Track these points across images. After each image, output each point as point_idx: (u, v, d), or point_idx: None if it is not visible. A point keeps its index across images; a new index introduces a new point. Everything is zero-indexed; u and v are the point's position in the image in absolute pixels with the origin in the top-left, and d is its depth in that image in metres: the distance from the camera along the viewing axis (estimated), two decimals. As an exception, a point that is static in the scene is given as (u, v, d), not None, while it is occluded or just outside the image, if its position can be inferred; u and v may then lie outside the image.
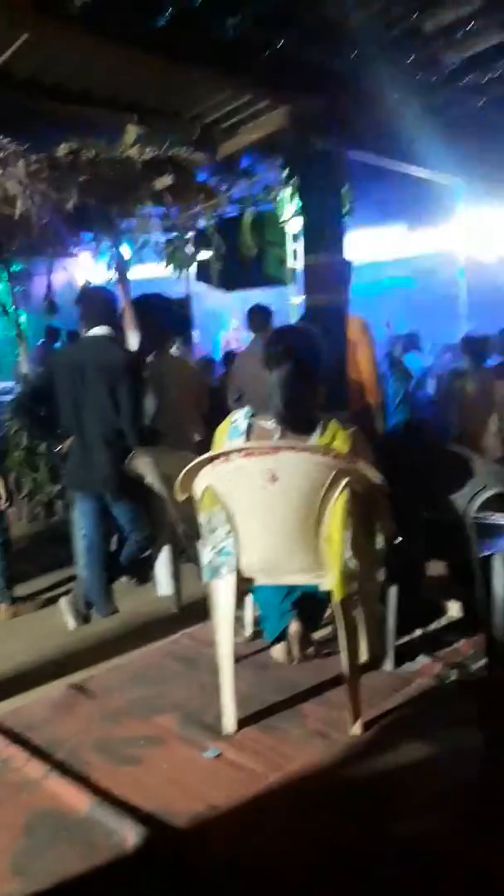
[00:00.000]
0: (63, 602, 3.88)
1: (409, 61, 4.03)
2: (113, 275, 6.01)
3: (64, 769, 2.21)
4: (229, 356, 7.40)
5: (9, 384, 9.49)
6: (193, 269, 6.34)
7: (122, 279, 5.99)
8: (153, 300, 4.24)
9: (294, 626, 2.71)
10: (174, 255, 5.67)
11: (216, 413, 4.17)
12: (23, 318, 7.66)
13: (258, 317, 5.04)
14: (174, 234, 5.71)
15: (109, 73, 4.21)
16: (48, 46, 3.85)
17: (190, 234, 5.83)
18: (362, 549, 2.32)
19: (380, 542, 2.60)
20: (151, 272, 6.24)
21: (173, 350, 4.12)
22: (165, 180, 4.95)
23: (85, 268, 7.68)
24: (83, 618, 3.86)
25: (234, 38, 3.46)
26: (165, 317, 4.13)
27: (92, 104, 4.47)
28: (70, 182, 4.40)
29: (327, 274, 4.38)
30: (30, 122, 4.29)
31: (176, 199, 5.23)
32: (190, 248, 5.77)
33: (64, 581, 4.55)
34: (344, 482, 2.24)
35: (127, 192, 5.07)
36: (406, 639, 2.99)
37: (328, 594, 2.50)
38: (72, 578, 4.55)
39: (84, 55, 3.96)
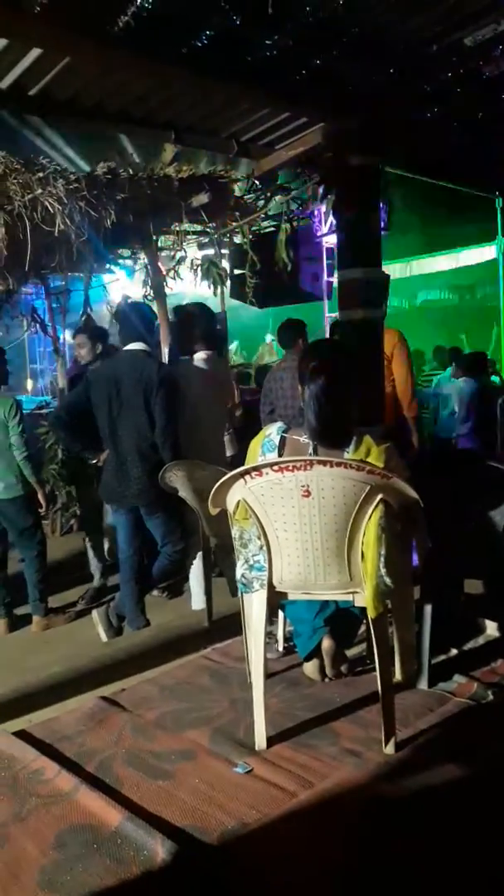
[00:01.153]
0: (95, 614, 3.90)
1: (448, 76, 4.02)
2: (149, 291, 6.11)
3: (95, 782, 2.21)
4: (262, 371, 7.43)
5: (45, 398, 9.66)
6: (228, 285, 6.40)
7: (159, 295, 6.08)
8: (187, 308, 4.27)
9: (327, 643, 2.69)
10: (209, 272, 5.73)
11: (249, 427, 4.17)
12: (60, 334, 7.80)
13: (290, 332, 5.06)
14: (209, 250, 5.78)
15: (147, 93, 4.27)
16: (88, 69, 3.94)
17: (225, 251, 5.90)
18: (397, 565, 2.29)
19: (415, 559, 2.56)
20: (187, 289, 6.32)
21: (199, 358, 4.09)
22: (202, 198, 5.02)
23: (122, 284, 7.79)
24: (115, 630, 3.88)
25: (272, 56, 3.49)
26: (196, 325, 4.13)
27: (130, 123, 4.55)
28: (108, 200, 4.49)
29: (364, 288, 4.37)
30: (70, 142, 4.38)
31: (212, 216, 5.30)
32: (225, 265, 5.83)
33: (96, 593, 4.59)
34: (378, 498, 2.22)
35: (164, 209, 5.15)
36: (441, 658, 2.94)
37: (362, 611, 2.47)
38: (103, 591, 4.59)
39: (123, 76, 4.03)
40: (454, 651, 3.02)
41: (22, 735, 2.55)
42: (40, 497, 4.16)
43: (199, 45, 3.44)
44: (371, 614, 2.27)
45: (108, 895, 1.75)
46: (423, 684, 2.74)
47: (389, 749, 2.30)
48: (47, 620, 4.14)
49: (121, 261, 6.90)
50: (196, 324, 4.13)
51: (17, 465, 4.08)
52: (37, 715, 2.86)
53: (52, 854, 1.90)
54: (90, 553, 4.64)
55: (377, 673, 2.30)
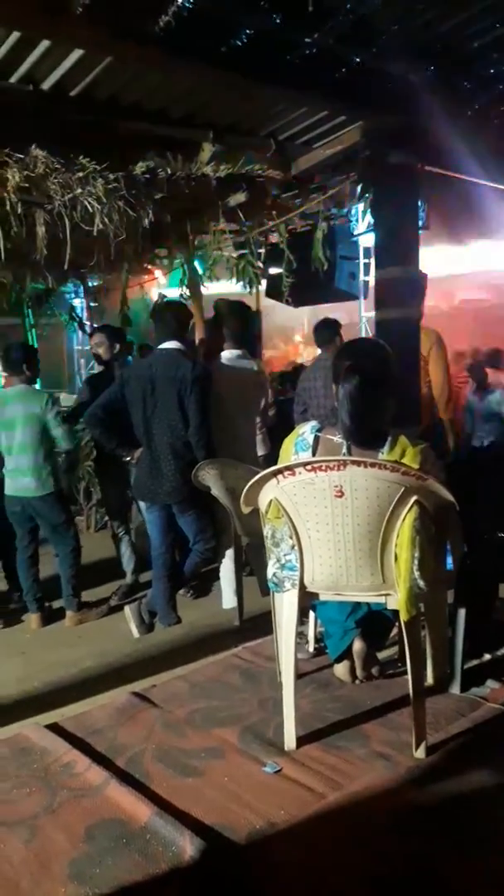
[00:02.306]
0: (128, 610, 3.94)
1: (489, 72, 3.96)
2: (185, 290, 6.14)
3: (125, 777, 2.23)
4: (296, 370, 7.41)
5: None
6: (264, 284, 6.40)
7: (195, 294, 6.11)
8: (218, 306, 4.28)
9: (358, 645, 2.67)
10: (245, 271, 5.73)
11: (282, 427, 4.16)
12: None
13: (325, 331, 5.04)
14: (245, 249, 5.78)
15: (187, 93, 4.29)
16: (128, 69, 3.97)
17: (261, 250, 5.89)
18: (431, 568, 2.26)
19: (449, 562, 2.53)
20: (223, 288, 6.33)
21: (229, 356, 4.08)
22: (239, 197, 5.02)
23: (159, 283, 7.85)
24: (147, 626, 3.91)
25: (311, 55, 3.48)
26: (227, 323, 4.13)
27: (169, 123, 4.57)
28: (146, 200, 4.51)
29: (401, 287, 4.33)
30: (108, 142, 4.42)
31: (249, 216, 5.30)
32: (260, 264, 5.82)
33: (129, 590, 4.62)
34: (413, 499, 2.19)
35: (202, 209, 5.16)
36: (474, 662, 2.90)
37: (394, 613, 2.45)
38: (135, 587, 4.63)
39: (163, 76, 4.06)
40: (487, 656, 2.97)
41: (54, 728, 2.58)
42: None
43: (239, 44, 3.44)
44: (404, 617, 2.25)
45: (136, 890, 1.76)
46: (455, 689, 2.71)
47: (420, 753, 2.27)
48: (80, 615, 4.18)
49: (157, 260, 6.94)
50: (227, 322, 4.13)
51: (49, 462, 4.10)
52: (69, 709, 2.89)
53: (82, 847, 1.92)
54: (122, 549, 4.68)
55: (409, 676, 2.28)
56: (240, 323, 4.14)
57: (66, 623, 4.14)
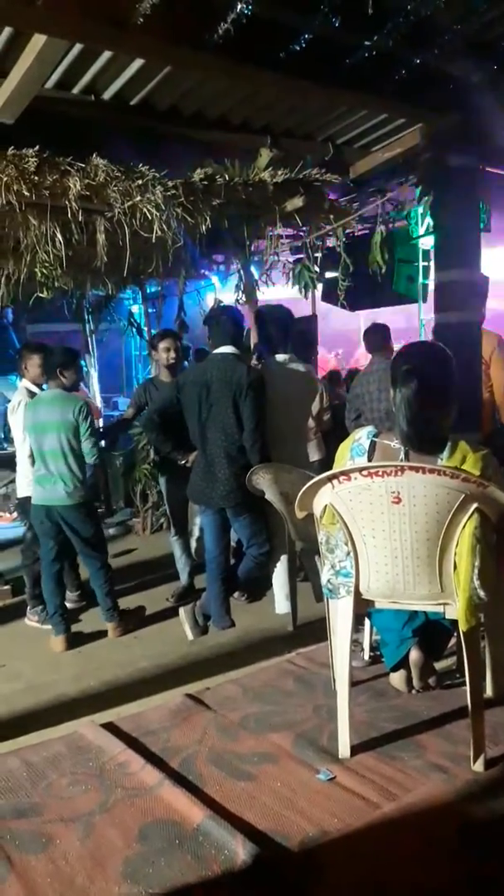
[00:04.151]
0: (182, 612, 3.96)
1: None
2: (241, 295, 6.16)
3: (178, 778, 2.24)
4: (350, 374, 7.36)
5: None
6: (320, 288, 6.38)
7: (251, 299, 6.12)
8: (265, 310, 4.26)
9: (415, 654, 2.62)
10: (301, 275, 5.72)
11: (336, 432, 4.12)
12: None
13: (375, 336, 4.99)
14: (301, 254, 5.77)
15: (245, 99, 4.32)
16: (188, 78, 4.02)
17: (318, 254, 5.87)
18: (492, 578, 2.21)
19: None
20: (280, 293, 6.32)
21: (277, 361, 4.05)
22: (296, 202, 5.02)
23: (215, 288, 7.90)
24: (201, 629, 3.92)
25: (370, 58, 3.45)
26: (272, 328, 4.10)
27: (228, 129, 4.61)
28: (204, 206, 4.55)
29: (462, 290, 4.25)
30: (167, 149, 4.48)
31: (306, 220, 5.29)
32: (317, 268, 5.80)
33: (184, 592, 4.66)
34: (473, 507, 2.14)
35: (259, 214, 5.18)
36: (536, 676, 2.81)
37: (453, 623, 2.40)
38: (190, 590, 4.65)
39: (221, 83, 4.10)
40: (550, 670, 2.88)
41: (110, 727, 2.62)
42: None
43: (298, 48, 3.43)
44: (462, 627, 2.20)
45: (188, 892, 1.77)
46: (515, 702, 2.63)
47: (478, 766, 2.22)
48: (123, 625, 4.11)
49: (215, 266, 6.99)
50: (271, 327, 4.11)
51: (81, 471, 3.99)
52: (124, 708, 2.93)
53: (136, 846, 1.94)
54: (177, 552, 4.69)
55: (467, 687, 2.22)
56: (280, 327, 4.11)
57: (110, 636, 4.05)
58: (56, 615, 4.02)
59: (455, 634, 2.56)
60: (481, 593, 2.16)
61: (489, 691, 2.62)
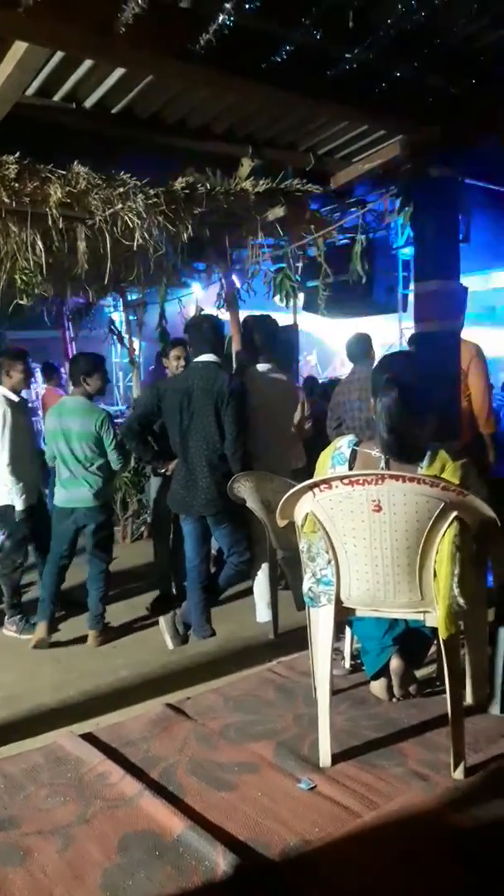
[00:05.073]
0: (162, 621, 3.94)
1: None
2: (223, 304, 6.17)
3: (158, 789, 2.22)
4: (330, 383, 7.38)
5: (121, 408, 9.89)
6: (301, 297, 6.40)
7: (232, 308, 6.14)
8: (252, 319, 4.27)
9: (395, 662, 2.63)
10: (282, 284, 5.74)
11: (316, 440, 4.13)
12: (136, 346, 7.98)
13: (357, 346, 5.02)
14: (282, 263, 5.80)
15: (228, 109, 4.35)
16: (171, 87, 4.04)
17: (299, 263, 5.90)
18: (471, 586, 2.22)
19: (490, 579, 2.49)
20: (261, 302, 6.34)
21: (259, 369, 4.06)
22: (278, 211, 5.05)
23: (197, 297, 7.91)
24: (181, 638, 3.90)
25: (352, 70, 3.48)
26: (254, 336, 4.11)
27: (210, 139, 4.63)
28: (186, 214, 4.56)
29: (441, 300, 4.29)
30: (149, 157, 4.49)
31: (287, 230, 5.32)
32: (298, 278, 5.83)
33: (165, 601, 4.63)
34: (452, 515, 2.16)
35: (240, 223, 5.21)
36: (514, 683, 2.83)
37: (433, 631, 2.41)
38: (171, 599, 4.63)
39: (204, 93, 4.11)
40: (529, 677, 2.91)
41: (89, 738, 2.59)
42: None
43: (279, 60, 3.46)
44: (443, 635, 2.21)
45: (168, 904, 1.75)
46: (495, 709, 2.65)
47: (458, 774, 2.23)
48: (103, 636, 4.07)
49: (196, 274, 7.01)
50: (255, 336, 4.12)
51: (106, 473, 4.10)
52: (104, 718, 2.90)
53: (116, 858, 1.92)
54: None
55: (447, 695, 2.23)
56: (267, 337, 4.12)
57: (89, 642, 4.03)
58: (47, 601, 4.10)
59: (435, 642, 2.58)
60: (461, 601, 2.18)
61: (469, 699, 2.63)
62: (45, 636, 4.03)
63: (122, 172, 4.25)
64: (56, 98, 4.08)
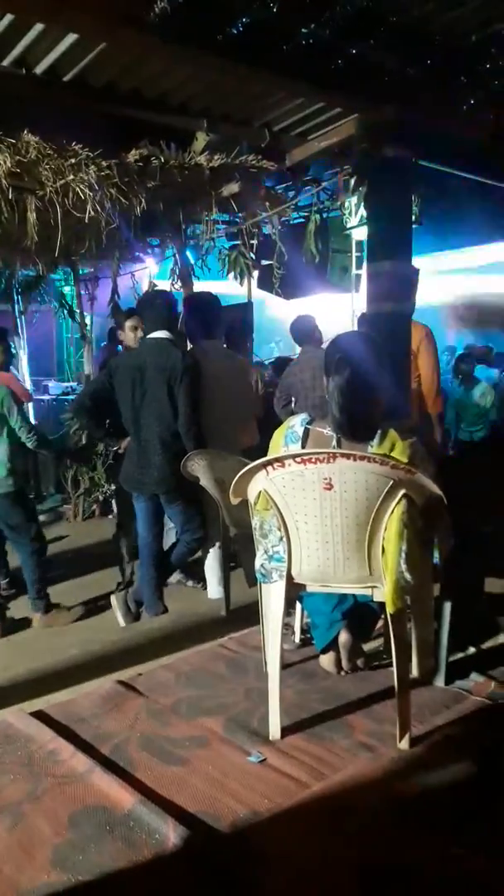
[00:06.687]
0: (114, 599, 3.93)
1: (486, 67, 3.96)
2: (176, 280, 6.11)
3: (109, 765, 2.23)
4: (281, 363, 7.39)
5: (71, 384, 9.74)
6: (256, 275, 6.38)
7: (186, 284, 6.08)
8: (194, 296, 4.24)
9: (344, 636, 2.68)
10: (237, 262, 5.71)
11: (266, 419, 4.14)
12: (88, 321, 7.85)
13: (302, 328, 5.04)
14: (238, 241, 5.76)
15: (183, 81, 4.26)
16: (125, 55, 3.94)
17: (253, 241, 5.88)
18: (418, 562, 2.27)
19: (437, 556, 2.55)
20: (215, 280, 6.30)
21: (207, 346, 4.03)
22: (233, 187, 5.00)
23: (150, 273, 7.81)
24: (133, 616, 3.91)
25: (308, 45, 3.46)
26: (209, 312, 4.08)
27: (165, 111, 4.54)
28: (139, 188, 4.49)
29: (393, 282, 4.33)
30: (102, 127, 4.39)
31: (242, 206, 5.28)
32: (252, 255, 5.80)
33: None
34: (401, 493, 2.20)
35: (194, 198, 5.14)
36: (459, 655, 2.92)
37: (381, 606, 2.46)
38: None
39: (159, 63, 4.03)
40: (472, 649, 3.00)
41: (39, 716, 2.58)
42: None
43: (235, 32, 3.42)
44: (390, 609, 2.26)
45: (119, 877, 1.77)
46: (440, 681, 2.73)
47: (404, 744, 2.29)
48: (49, 618, 4.00)
49: (149, 249, 6.91)
50: (204, 313, 4.08)
51: (9, 460, 3.91)
52: (54, 696, 2.88)
53: (66, 834, 1.92)
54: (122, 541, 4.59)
55: (394, 668, 2.29)
56: (213, 313, 4.09)
57: (35, 626, 3.97)
58: None
59: (382, 617, 2.63)
60: (408, 576, 2.23)
61: (415, 672, 2.70)
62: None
63: (74, 143, 4.15)
64: (5, 63, 3.94)
